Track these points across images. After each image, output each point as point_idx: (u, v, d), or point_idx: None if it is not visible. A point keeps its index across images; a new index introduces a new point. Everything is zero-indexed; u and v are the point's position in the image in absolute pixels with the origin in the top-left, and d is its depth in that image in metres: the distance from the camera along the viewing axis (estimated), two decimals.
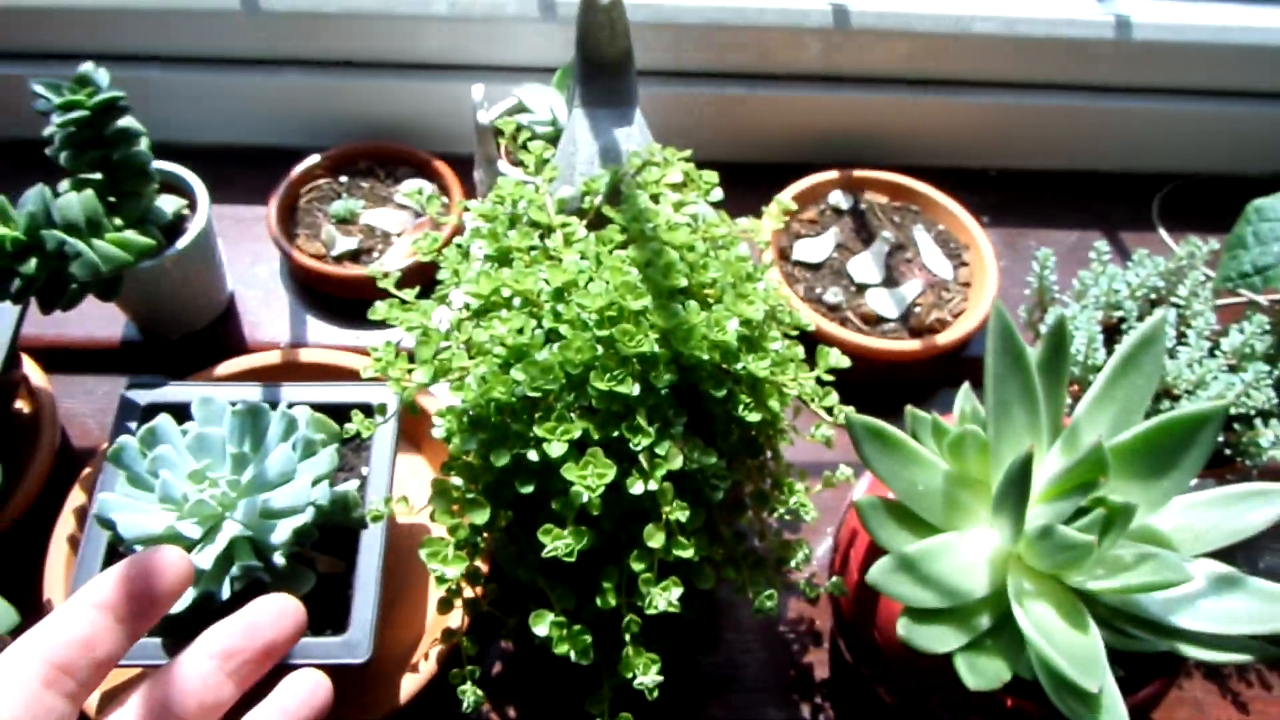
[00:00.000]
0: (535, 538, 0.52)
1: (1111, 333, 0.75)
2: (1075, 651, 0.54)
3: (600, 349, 0.52)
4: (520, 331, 0.53)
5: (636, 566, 0.53)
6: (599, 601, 0.54)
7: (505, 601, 0.61)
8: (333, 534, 0.66)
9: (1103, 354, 0.71)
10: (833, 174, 0.93)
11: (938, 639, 0.56)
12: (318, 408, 0.70)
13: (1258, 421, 0.69)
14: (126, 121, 0.73)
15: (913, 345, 0.82)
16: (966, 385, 0.66)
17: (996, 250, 0.93)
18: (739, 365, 0.54)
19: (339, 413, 0.71)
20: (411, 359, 0.57)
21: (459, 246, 0.61)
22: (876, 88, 0.98)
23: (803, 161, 0.96)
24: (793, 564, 0.63)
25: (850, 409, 0.62)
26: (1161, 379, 0.71)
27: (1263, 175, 1.07)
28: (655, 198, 0.61)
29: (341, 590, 0.64)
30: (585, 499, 0.50)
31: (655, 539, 0.52)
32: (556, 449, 0.50)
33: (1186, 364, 0.70)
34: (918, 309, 0.85)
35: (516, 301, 0.56)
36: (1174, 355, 0.71)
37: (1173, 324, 0.71)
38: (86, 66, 0.72)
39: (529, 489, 0.52)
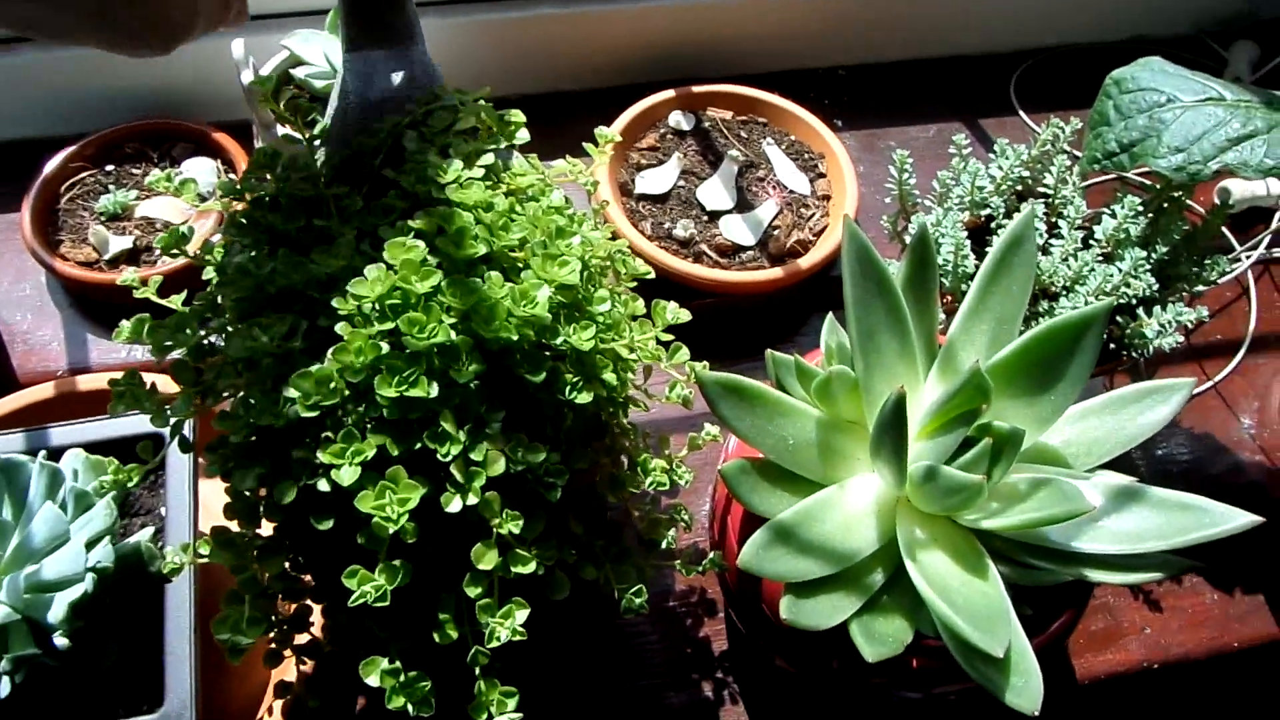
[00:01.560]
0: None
1: (981, 234, 0.69)
2: (976, 606, 0.48)
3: (385, 346, 0.43)
4: (288, 336, 0.44)
5: (471, 592, 0.45)
6: (436, 637, 0.46)
7: (349, 635, 0.53)
8: (132, 592, 0.56)
9: (973, 260, 0.65)
10: (669, 94, 0.84)
11: (827, 612, 0.50)
12: (97, 447, 0.59)
13: (1140, 311, 0.64)
14: None
15: (775, 273, 0.75)
16: (831, 317, 0.59)
17: (854, 155, 0.86)
18: (558, 340, 0.46)
19: (127, 448, 0.60)
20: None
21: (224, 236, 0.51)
22: None
23: (635, 84, 0.88)
24: (665, 544, 0.57)
25: (701, 365, 0.55)
26: (1037, 278, 0.65)
27: (1119, 41, 1.02)
28: (445, 150, 0.52)
29: (152, 657, 0.55)
30: (393, 530, 0.42)
31: (487, 559, 0.44)
32: (348, 474, 0.42)
33: (1061, 259, 0.65)
34: (776, 232, 0.78)
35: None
36: (1047, 251, 0.66)
37: (1042, 217, 0.66)
38: None
39: (327, 524, 0.44)
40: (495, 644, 0.44)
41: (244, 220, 0.50)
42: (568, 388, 0.46)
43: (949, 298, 0.68)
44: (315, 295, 0.45)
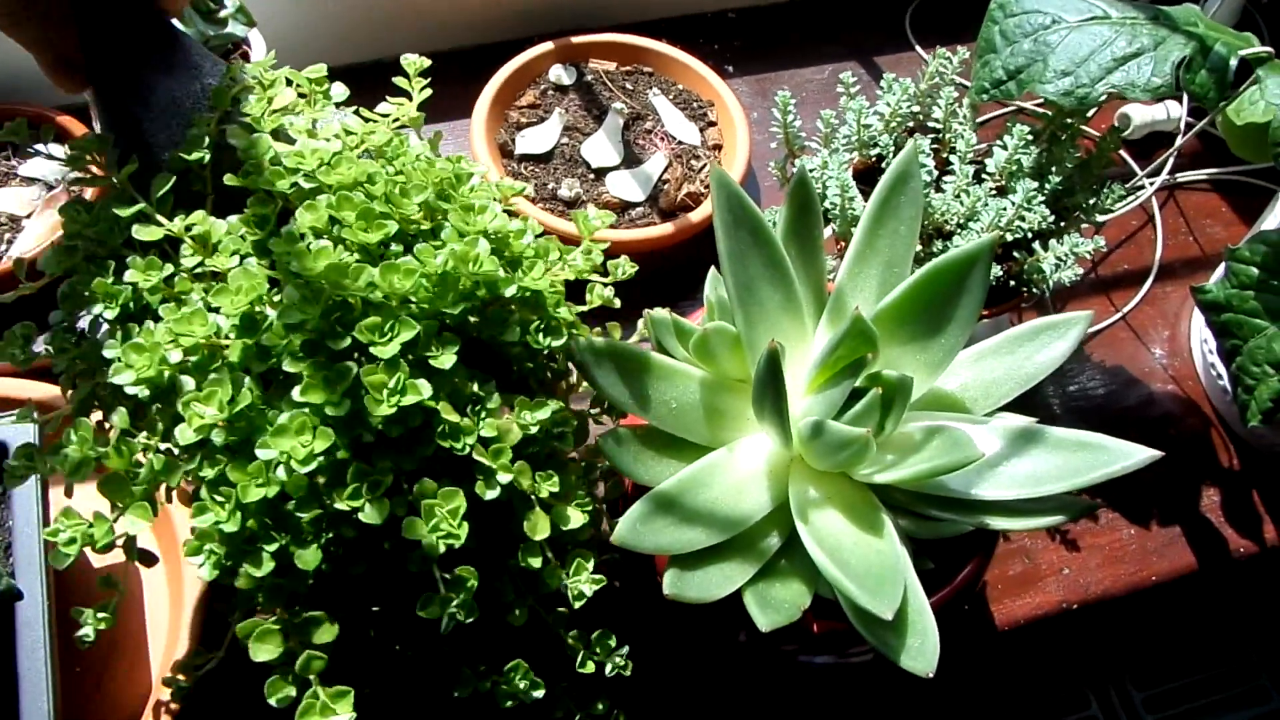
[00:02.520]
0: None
1: (872, 175, 0.66)
2: (870, 568, 0.46)
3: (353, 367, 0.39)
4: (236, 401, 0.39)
5: (534, 563, 0.44)
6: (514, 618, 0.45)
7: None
8: None
9: (861, 202, 0.62)
10: (548, 46, 0.80)
11: (717, 582, 0.48)
12: None
13: (1036, 245, 0.62)
14: None
15: (665, 229, 0.72)
16: (713, 271, 0.56)
17: (746, 101, 0.83)
18: (511, 290, 0.43)
19: None
20: None
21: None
22: None
23: (513, 39, 0.83)
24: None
25: (584, 334, 0.51)
26: (930, 216, 0.63)
27: None
28: (277, 134, 0.47)
29: (5, 686, 0.51)
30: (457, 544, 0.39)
31: (540, 527, 0.44)
32: (373, 513, 0.38)
33: (954, 195, 0.62)
34: (666, 185, 0.74)
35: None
36: (940, 188, 0.63)
37: (929, 154, 0.63)
38: None
39: (360, 569, 0.40)
40: (581, 601, 0.44)
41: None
42: (539, 334, 0.44)
43: (841, 244, 0.65)
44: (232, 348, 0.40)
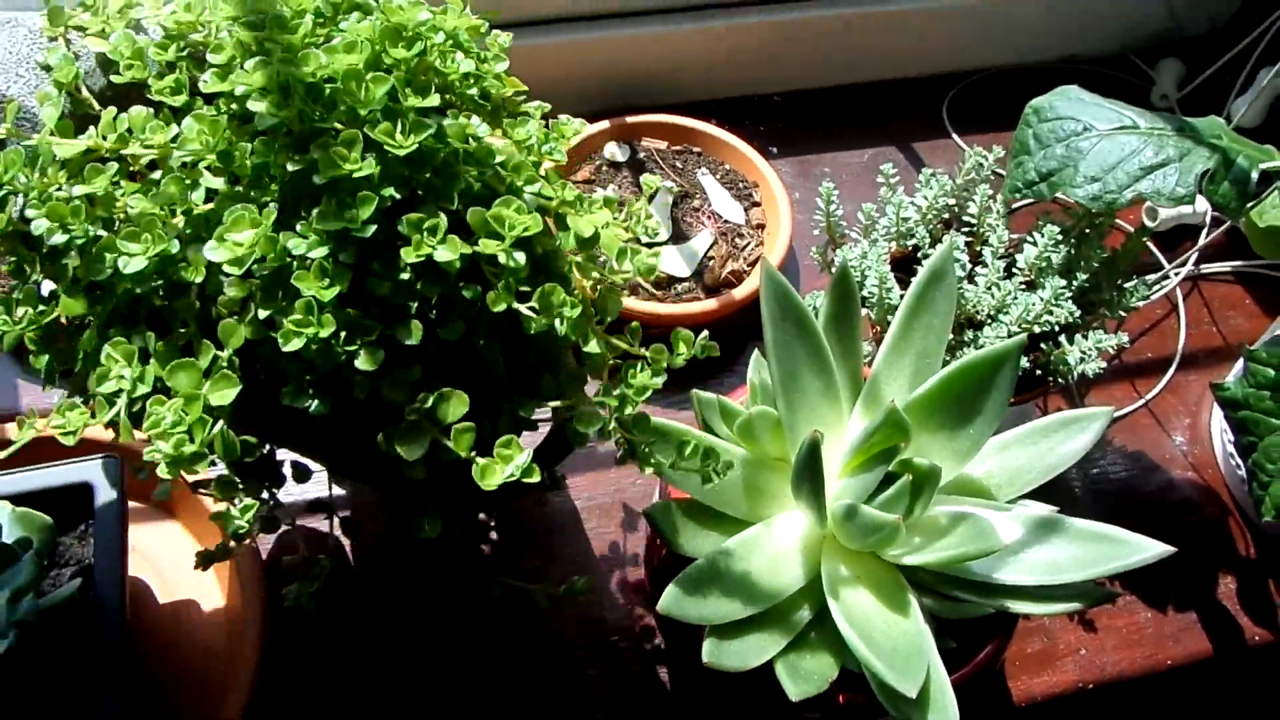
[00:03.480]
0: None
1: (908, 263, 0.70)
2: (897, 646, 0.49)
3: None
4: None
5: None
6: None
7: None
8: (59, 649, 0.56)
9: (898, 292, 0.66)
10: (604, 125, 0.85)
11: (753, 652, 0.51)
12: (20, 499, 0.59)
13: (1062, 339, 0.65)
14: None
15: (709, 305, 0.76)
16: (756, 354, 0.60)
17: (789, 182, 0.87)
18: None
19: (53, 500, 0.60)
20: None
21: None
22: (637, 22, 0.89)
23: (568, 115, 0.87)
24: None
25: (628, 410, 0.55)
26: (962, 306, 0.66)
27: (1050, 61, 1.04)
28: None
29: (90, 705, 0.55)
30: None
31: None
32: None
33: (985, 288, 0.66)
34: (711, 262, 0.78)
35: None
36: (972, 280, 0.67)
37: (963, 249, 0.67)
38: None
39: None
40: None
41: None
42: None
43: (876, 330, 0.68)
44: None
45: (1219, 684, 0.73)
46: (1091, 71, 1.03)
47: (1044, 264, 0.66)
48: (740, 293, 0.76)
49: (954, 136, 0.96)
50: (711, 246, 0.79)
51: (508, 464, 0.41)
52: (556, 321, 0.42)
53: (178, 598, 0.67)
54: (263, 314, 0.40)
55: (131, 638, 0.57)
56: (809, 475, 0.49)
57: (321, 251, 0.39)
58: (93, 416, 0.41)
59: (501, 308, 0.41)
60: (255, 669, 0.61)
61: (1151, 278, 0.84)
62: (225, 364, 0.40)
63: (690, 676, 0.66)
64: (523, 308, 0.42)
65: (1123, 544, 0.52)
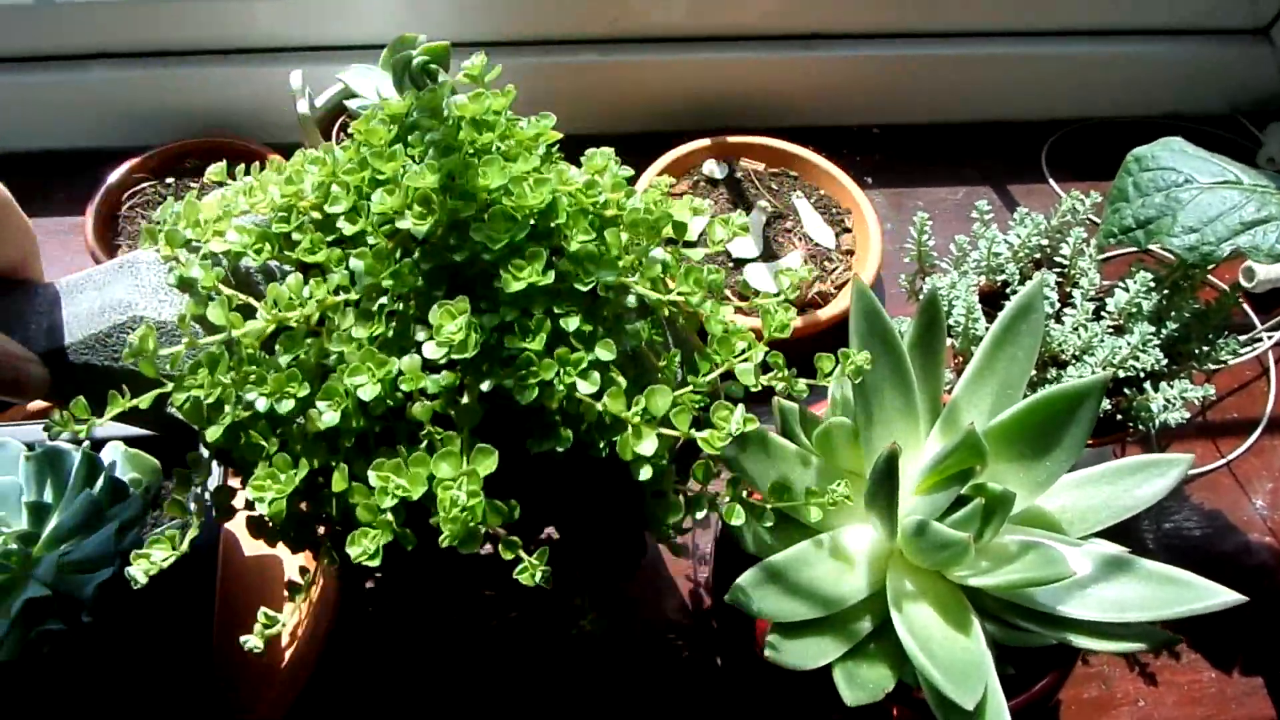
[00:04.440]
0: None
1: (995, 298, 0.71)
2: (956, 661, 0.49)
3: None
4: None
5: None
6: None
7: None
8: (157, 578, 0.59)
9: (984, 324, 0.67)
10: (705, 142, 0.87)
11: (812, 654, 0.52)
12: (134, 442, 0.63)
13: (1147, 385, 0.65)
14: None
15: (795, 323, 0.77)
16: (839, 369, 0.61)
17: (881, 213, 0.89)
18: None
19: (162, 445, 0.64)
20: None
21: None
22: (746, 46, 0.92)
23: (671, 131, 0.91)
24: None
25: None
26: (1047, 345, 0.67)
27: (1154, 116, 1.04)
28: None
29: (174, 639, 0.58)
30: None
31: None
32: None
33: (1072, 328, 0.66)
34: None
35: None
36: (1060, 319, 0.67)
37: (1054, 287, 0.67)
38: None
39: None
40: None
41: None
42: None
43: (959, 359, 0.69)
44: None
45: None
46: (1196, 129, 1.02)
47: (1134, 310, 0.66)
48: (825, 314, 0.78)
49: (1050, 182, 0.96)
50: (800, 267, 0.81)
51: None
52: None
53: (263, 552, 0.70)
54: (486, 386, 0.44)
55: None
56: (885, 486, 0.50)
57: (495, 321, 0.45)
58: None
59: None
60: (327, 626, 0.64)
61: (1244, 338, 0.83)
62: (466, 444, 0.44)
63: (744, 677, 0.68)
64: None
65: (1192, 588, 0.52)
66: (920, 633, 0.51)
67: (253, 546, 0.70)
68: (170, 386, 0.44)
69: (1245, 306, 0.89)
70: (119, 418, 0.45)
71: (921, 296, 0.59)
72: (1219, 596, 0.51)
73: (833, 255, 0.83)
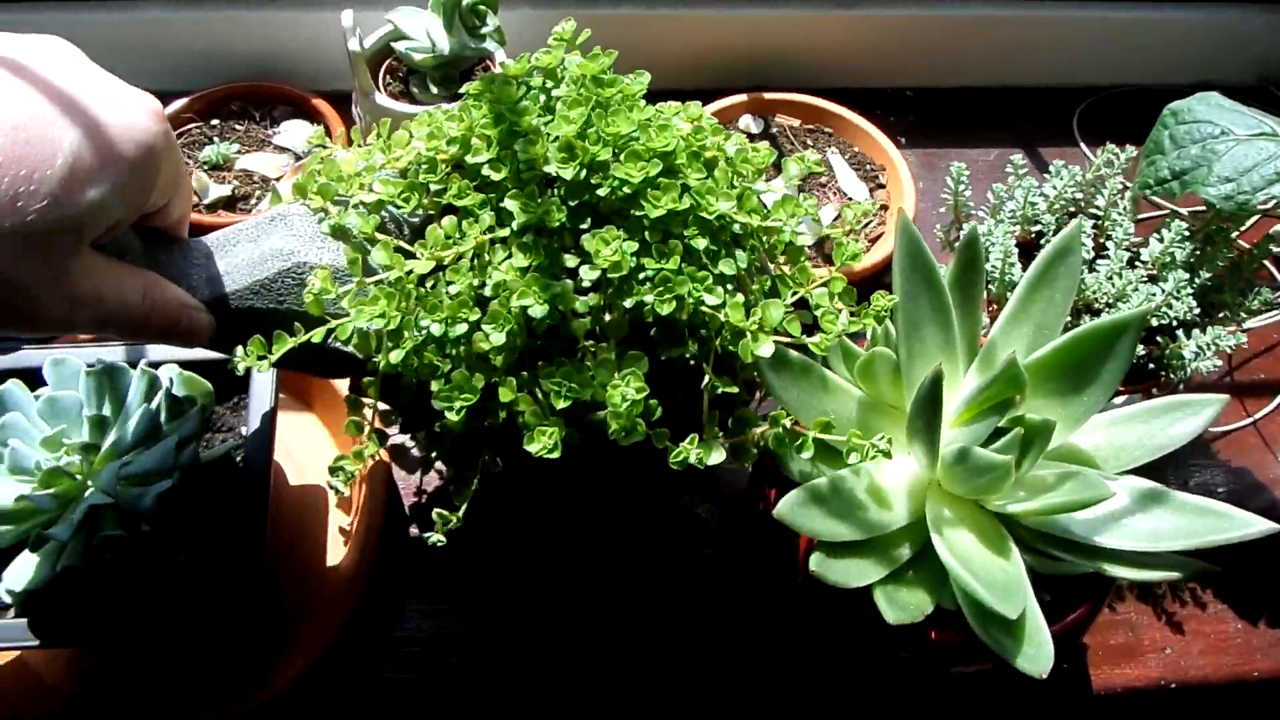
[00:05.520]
0: None
1: (1030, 249, 0.72)
2: (996, 578, 0.51)
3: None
4: None
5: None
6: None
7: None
8: (210, 498, 0.61)
9: (1019, 270, 0.68)
10: (741, 97, 0.88)
11: (855, 572, 0.53)
12: (188, 365, 0.64)
13: (1179, 333, 0.66)
14: None
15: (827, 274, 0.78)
16: None
17: (914, 172, 0.90)
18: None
19: (214, 370, 0.65)
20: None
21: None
22: (782, 4, 0.93)
23: (708, 89, 0.91)
24: None
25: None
26: (1081, 293, 0.68)
27: (1185, 85, 1.04)
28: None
29: (225, 557, 0.59)
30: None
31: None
32: None
33: (1106, 276, 0.67)
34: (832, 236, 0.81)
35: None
36: (1093, 268, 0.68)
37: (1090, 235, 0.68)
38: None
39: None
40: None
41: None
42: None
43: (994, 305, 0.70)
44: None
45: None
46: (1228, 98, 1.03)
47: (1168, 259, 0.67)
48: (858, 265, 0.79)
49: (1082, 147, 0.97)
50: (834, 221, 0.82)
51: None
52: None
53: (306, 482, 0.72)
54: (629, 303, 0.49)
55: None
56: (928, 409, 0.51)
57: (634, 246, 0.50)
58: None
59: None
60: (367, 560, 0.66)
61: (1277, 297, 0.84)
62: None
63: (783, 601, 0.69)
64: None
65: (1227, 518, 0.53)
66: (960, 553, 0.52)
67: (297, 478, 0.72)
68: (335, 323, 0.49)
69: (1274, 270, 0.90)
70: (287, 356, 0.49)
71: (961, 237, 0.60)
72: (1254, 525, 0.52)
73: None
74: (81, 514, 0.55)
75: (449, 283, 0.50)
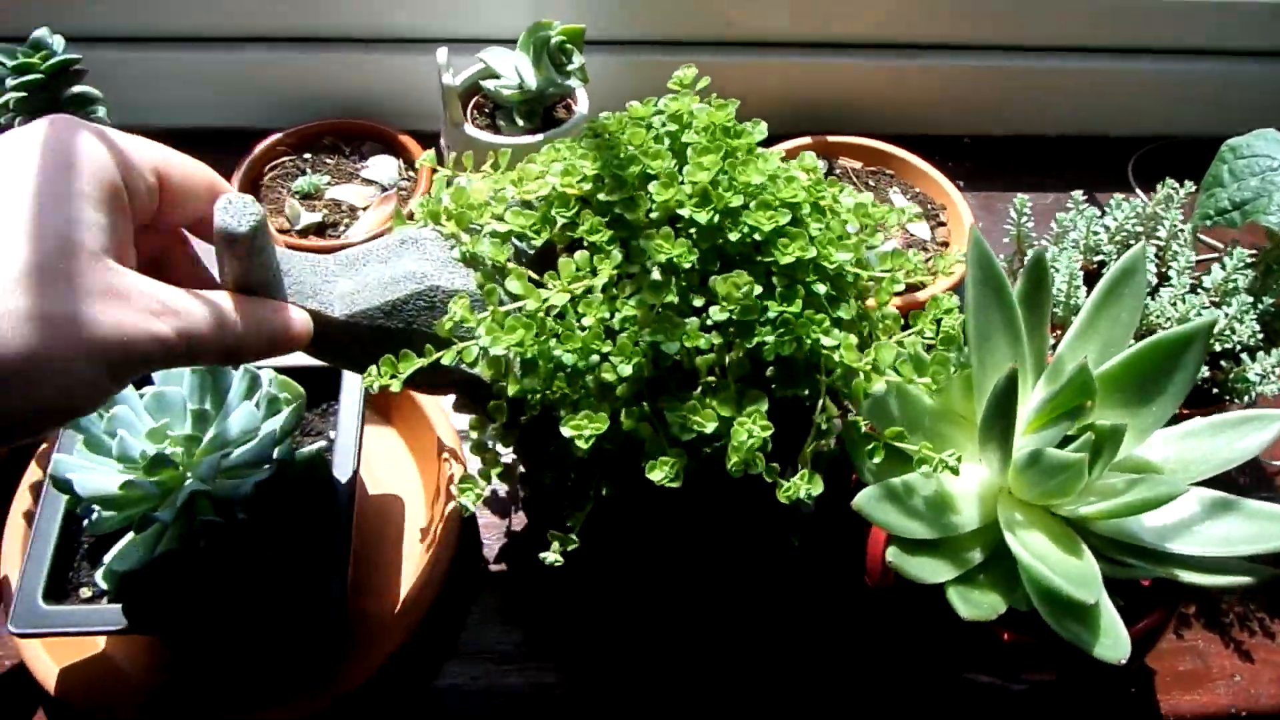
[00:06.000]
0: None
1: (1093, 278, 0.74)
2: (1071, 572, 0.52)
3: None
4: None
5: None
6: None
7: None
8: (299, 496, 0.64)
9: (1084, 293, 0.70)
10: (805, 140, 0.92)
11: (929, 569, 0.55)
12: (283, 370, 0.68)
13: (1244, 356, 0.67)
14: (82, 87, 0.71)
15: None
16: None
17: (974, 212, 0.92)
18: None
19: (307, 376, 0.69)
20: None
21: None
22: (845, 53, 0.97)
23: (775, 134, 0.95)
24: None
25: None
26: (1145, 318, 0.69)
27: (1239, 134, 1.07)
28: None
29: (311, 556, 0.62)
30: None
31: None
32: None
33: (1170, 301, 0.69)
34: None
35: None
36: (1156, 295, 0.70)
37: (1153, 260, 0.70)
38: (40, 32, 0.71)
39: None
40: None
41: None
42: None
43: (1059, 330, 0.72)
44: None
45: None
46: None
47: (1231, 286, 0.69)
48: (922, 296, 0.81)
49: (1138, 192, 1.00)
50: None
51: None
52: None
53: (384, 493, 0.75)
54: (752, 343, 0.53)
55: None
56: (1002, 410, 0.53)
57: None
58: None
59: None
60: (443, 574, 0.68)
61: None
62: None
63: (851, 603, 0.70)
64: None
65: None
66: (1035, 551, 0.53)
67: (376, 488, 0.75)
68: (461, 345, 0.52)
69: None
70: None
71: (1028, 259, 0.62)
72: None
73: (928, 246, 0.87)
74: (183, 499, 0.58)
75: (580, 315, 0.52)
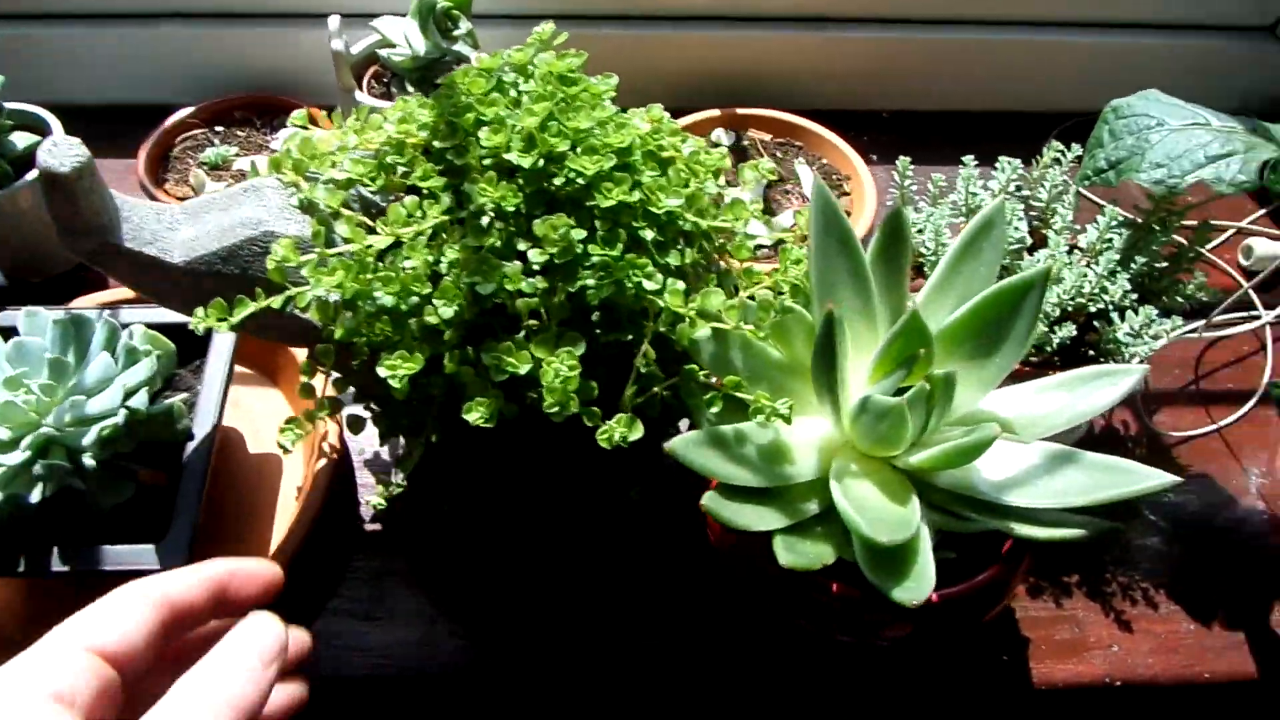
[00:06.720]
0: None
1: None
2: (883, 519, 0.51)
3: None
4: None
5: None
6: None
7: None
8: (158, 448, 0.64)
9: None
10: (715, 112, 0.92)
11: (754, 517, 0.54)
12: (158, 327, 0.68)
13: (1114, 316, 0.66)
14: None
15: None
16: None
17: (882, 185, 0.92)
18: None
19: (179, 333, 0.69)
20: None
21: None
22: (760, 26, 0.97)
23: (687, 108, 0.96)
24: None
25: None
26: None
27: None
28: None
29: (165, 504, 0.62)
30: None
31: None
32: None
33: (1043, 260, 0.68)
34: (790, 235, 0.83)
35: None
36: (1032, 252, 0.69)
37: (1023, 218, 0.70)
38: None
39: None
40: None
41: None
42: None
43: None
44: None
45: (1261, 709, 0.70)
46: None
47: (1104, 246, 0.68)
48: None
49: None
50: (794, 225, 0.84)
51: None
52: None
53: (263, 452, 0.75)
54: (574, 286, 0.52)
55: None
56: (826, 355, 0.52)
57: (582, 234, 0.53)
58: None
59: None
60: (309, 525, 0.68)
61: (1241, 315, 0.84)
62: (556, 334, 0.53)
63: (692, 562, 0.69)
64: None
65: (1130, 473, 0.54)
66: (858, 500, 0.53)
67: (260, 446, 0.75)
68: (294, 291, 0.52)
69: (1248, 288, 0.89)
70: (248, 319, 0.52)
71: (886, 214, 0.62)
72: (1154, 479, 0.53)
73: None
74: (31, 444, 0.58)
75: (405, 258, 0.52)
